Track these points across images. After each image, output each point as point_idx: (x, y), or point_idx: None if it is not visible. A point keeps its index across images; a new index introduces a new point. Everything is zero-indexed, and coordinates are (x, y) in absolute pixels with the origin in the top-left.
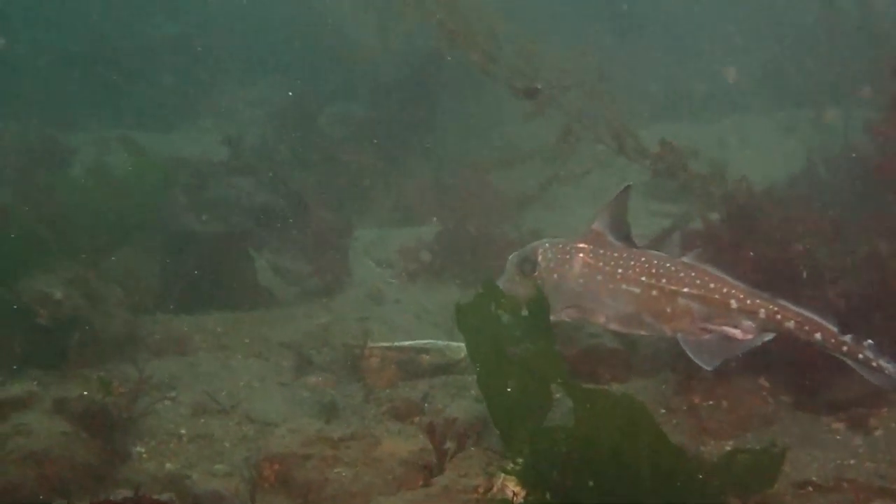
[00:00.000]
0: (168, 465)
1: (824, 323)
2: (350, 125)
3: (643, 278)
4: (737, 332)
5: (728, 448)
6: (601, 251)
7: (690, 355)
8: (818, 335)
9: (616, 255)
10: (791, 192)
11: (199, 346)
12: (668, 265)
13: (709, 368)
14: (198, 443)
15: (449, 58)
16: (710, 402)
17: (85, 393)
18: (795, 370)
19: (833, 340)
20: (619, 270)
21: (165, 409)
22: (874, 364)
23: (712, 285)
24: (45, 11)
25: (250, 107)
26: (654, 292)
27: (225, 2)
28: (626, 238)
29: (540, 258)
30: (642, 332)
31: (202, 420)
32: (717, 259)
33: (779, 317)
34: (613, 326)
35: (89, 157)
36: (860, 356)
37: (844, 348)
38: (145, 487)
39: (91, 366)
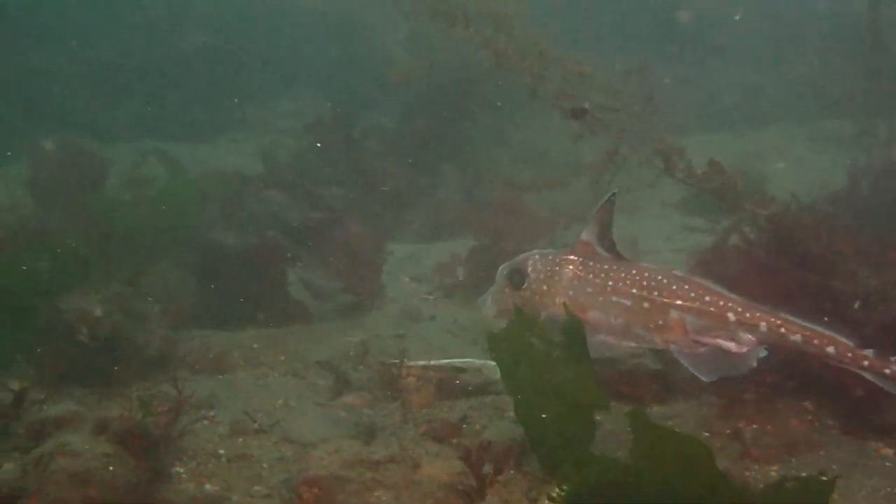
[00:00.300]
0: (207, 487)
1: (837, 337)
2: (382, 138)
3: (634, 290)
4: (731, 346)
5: (773, 474)
6: (591, 263)
7: (689, 367)
8: (831, 349)
9: (606, 266)
10: (833, 208)
11: (235, 364)
12: (659, 277)
13: (706, 381)
14: (236, 463)
15: (499, 81)
16: (755, 427)
17: (126, 413)
18: (841, 393)
19: (850, 355)
20: (610, 283)
21: (203, 429)
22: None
23: (707, 298)
24: (78, 23)
25: (283, 118)
26: (646, 304)
27: (257, 13)
28: (613, 249)
29: (530, 270)
30: (632, 344)
31: (240, 440)
32: (758, 280)
33: (783, 330)
34: (602, 339)
35: (125, 169)
36: (887, 371)
37: (865, 363)
38: None
39: (131, 383)
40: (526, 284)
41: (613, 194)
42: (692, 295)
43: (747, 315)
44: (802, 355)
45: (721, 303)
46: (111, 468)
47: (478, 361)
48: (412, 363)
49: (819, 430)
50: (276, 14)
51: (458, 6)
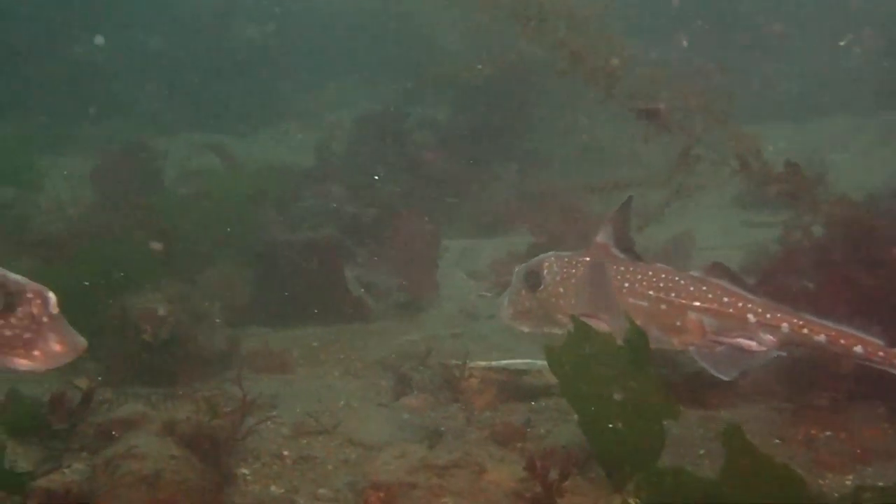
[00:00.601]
0: (273, 488)
1: (865, 336)
2: (434, 131)
3: (651, 292)
4: (752, 344)
5: (848, 483)
6: (606, 265)
7: (708, 368)
8: (858, 348)
9: (622, 268)
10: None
11: (295, 363)
12: (676, 279)
13: (727, 379)
14: (301, 465)
15: (554, 76)
16: (828, 433)
17: (193, 415)
18: None
19: (881, 354)
20: (626, 284)
21: (267, 430)
22: None
23: (726, 299)
24: (131, 15)
25: (332, 110)
26: (663, 306)
27: (307, 4)
28: (630, 251)
29: (545, 272)
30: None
31: (304, 441)
32: (830, 284)
33: (806, 331)
34: (619, 340)
35: (179, 163)
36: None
37: None
38: None
39: (194, 382)
40: (542, 286)
41: (630, 198)
42: (710, 296)
43: (767, 316)
44: (829, 356)
45: (740, 304)
46: (179, 471)
47: (539, 363)
48: (474, 364)
49: (894, 438)
50: (326, 5)
51: (534, 5)
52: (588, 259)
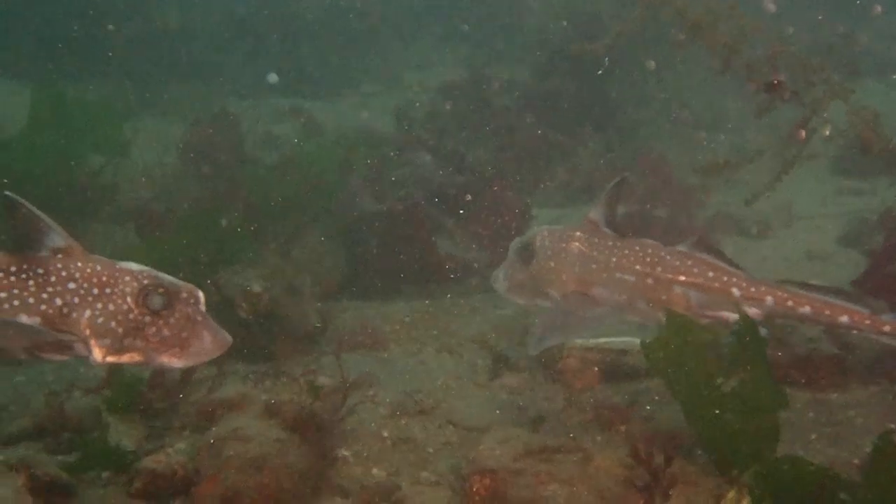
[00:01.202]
0: (375, 471)
1: (850, 305)
2: (517, 96)
3: (637, 267)
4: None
5: None
6: (596, 240)
7: None
8: (844, 318)
9: (610, 243)
10: None
11: (389, 339)
12: (662, 254)
13: None
14: (401, 447)
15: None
16: None
17: (295, 397)
18: None
19: (868, 322)
20: (614, 259)
21: (365, 409)
22: None
23: (711, 274)
24: None
25: (414, 72)
26: (650, 280)
27: None
28: (618, 228)
29: (538, 246)
30: (636, 319)
31: (403, 422)
32: None
33: (790, 303)
34: (606, 313)
35: (262, 129)
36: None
37: (886, 328)
38: (356, 496)
39: (289, 359)
40: (535, 260)
41: (623, 177)
42: (695, 270)
43: (752, 290)
44: (817, 326)
45: (725, 278)
46: (284, 454)
47: (638, 341)
48: (573, 343)
49: None
50: None
51: None
52: (578, 234)
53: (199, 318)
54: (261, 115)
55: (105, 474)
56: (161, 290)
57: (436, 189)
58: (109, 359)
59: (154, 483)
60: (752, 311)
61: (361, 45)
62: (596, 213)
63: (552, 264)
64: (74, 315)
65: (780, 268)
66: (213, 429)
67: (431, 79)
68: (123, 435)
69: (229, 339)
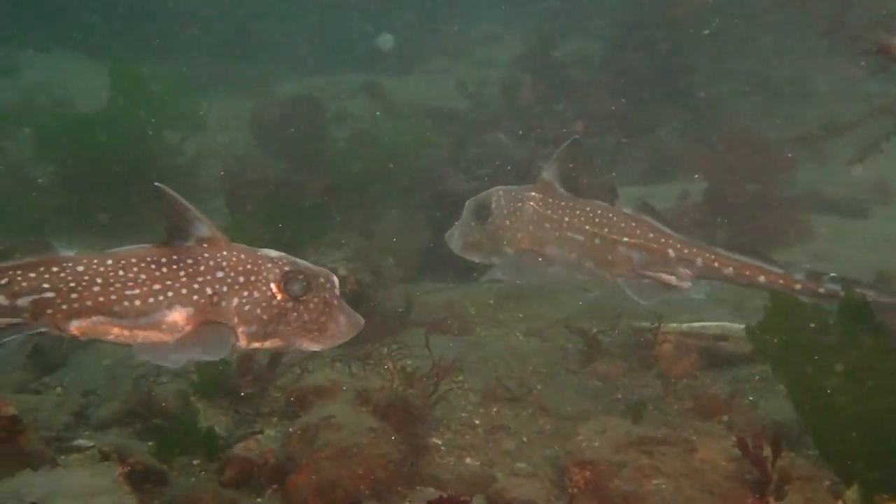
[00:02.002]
0: (468, 461)
1: (767, 266)
2: (589, 69)
3: (587, 227)
4: (672, 279)
5: None
6: (550, 199)
7: (630, 295)
8: (762, 278)
9: (563, 203)
10: None
11: (475, 322)
12: (610, 215)
13: (645, 304)
14: (494, 435)
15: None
16: None
17: (387, 384)
18: None
19: (782, 281)
20: (566, 219)
21: (455, 396)
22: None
23: (651, 235)
24: None
25: (480, 46)
26: (597, 240)
27: None
28: (574, 189)
29: (493, 205)
30: (584, 277)
31: (494, 409)
32: None
33: (716, 264)
34: (557, 270)
35: (335, 105)
36: (821, 290)
37: (798, 286)
38: (451, 487)
39: (374, 342)
40: (490, 219)
41: (576, 139)
42: (638, 232)
43: (685, 251)
44: (740, 285)
45: (663, 240)
46: (377, 444)
47: (735, 326)
48: (668, 328)
49: None
50: None
51: None
52: (533, 194)
53: (335, 302)
54: (334, 92)
55: (195, 461)
56: (301, 276)
57: (519, 168)
58: (254, 345)
59: (246, 471)
60: (685, 273)
61: (428, 21)
62: (550, 173)
63: (508, 223)
64: (224, 304)
65: (882, 249)
66: (304, 416)
67: (501, 53)
68: (212, 420)
69: (362, 321)
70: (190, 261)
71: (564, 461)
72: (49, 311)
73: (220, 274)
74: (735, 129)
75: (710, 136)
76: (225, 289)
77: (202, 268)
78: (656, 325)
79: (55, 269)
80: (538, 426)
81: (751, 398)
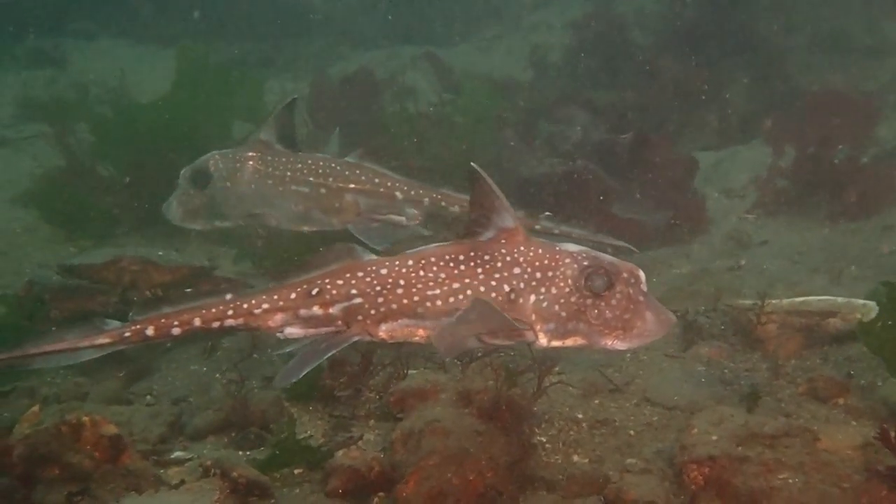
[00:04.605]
0: (576, 458)
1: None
2: (654, 29)
3: (311, 178)
4: (402, 220)
5: None
6: (269, 157)
7: (361, 238)
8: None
9: (284, 160)
10: None
11: None
12: (333, 165)
13: (378, 248)
14: (599, 430)
15: None
16: None
17: (491, 384)
18: None
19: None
20: (288, 174)
21: (555, 390)
22: (556, 232)
23: (377, 180)
24: None
25: (533, 12)
26: (323, 190)
27: None
28: (293, 146)
29: (212, 169)
30: (312, 228)
31: (596, 401)
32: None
33: (443, 203)
34: (286, 226)
35: (391, 78)
36: (536, 227)
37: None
38: (563, 489)
39: None
40: (211, 183)
41: (294, 99)
42: (363, 178)
43: (412, 193)
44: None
45: (389, 184)
46: (486, 448)
47: (840, 300)
48: (770, 306)
49: None
50: None
51: None
52: (251, 154)
53: (641, 298)
54: (393, 67)
55: (297, 471)
56: (602, 271)
57: (597, 147)
58: (554, 343)
59: (352, 481)
60: (412, 213)
61: None
62: (266, 133)
63: (229, 185)
64: (521, 301)
65: None
66: (406, 421)
67: (553, 17)
68: (308, 426)
69: (673, 318)
70: (487, 257)
71: (681, 457)
72: (360, 318)
73: (517, 270)
74: (818, 88)
75: (783, 93)
76: (522, 285)
77: (499, 264)
78: (759, 303)
79: (360, 273)
80: (644, 418)
81: (863, 382)
